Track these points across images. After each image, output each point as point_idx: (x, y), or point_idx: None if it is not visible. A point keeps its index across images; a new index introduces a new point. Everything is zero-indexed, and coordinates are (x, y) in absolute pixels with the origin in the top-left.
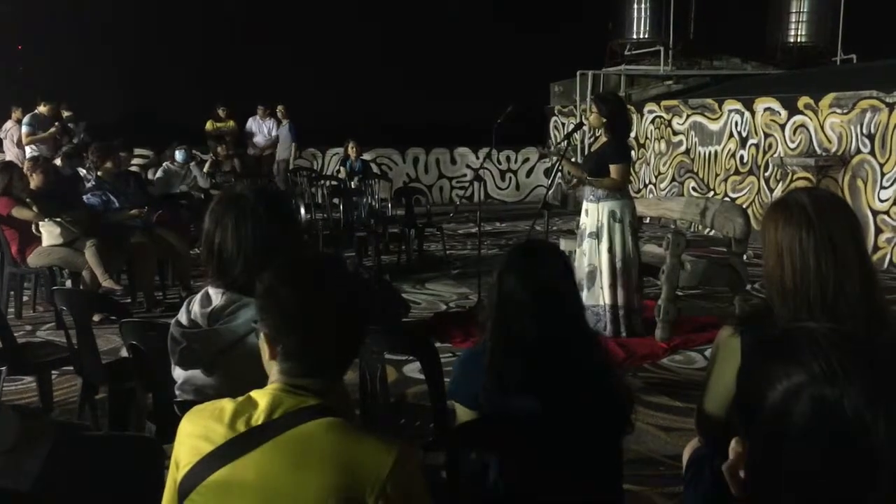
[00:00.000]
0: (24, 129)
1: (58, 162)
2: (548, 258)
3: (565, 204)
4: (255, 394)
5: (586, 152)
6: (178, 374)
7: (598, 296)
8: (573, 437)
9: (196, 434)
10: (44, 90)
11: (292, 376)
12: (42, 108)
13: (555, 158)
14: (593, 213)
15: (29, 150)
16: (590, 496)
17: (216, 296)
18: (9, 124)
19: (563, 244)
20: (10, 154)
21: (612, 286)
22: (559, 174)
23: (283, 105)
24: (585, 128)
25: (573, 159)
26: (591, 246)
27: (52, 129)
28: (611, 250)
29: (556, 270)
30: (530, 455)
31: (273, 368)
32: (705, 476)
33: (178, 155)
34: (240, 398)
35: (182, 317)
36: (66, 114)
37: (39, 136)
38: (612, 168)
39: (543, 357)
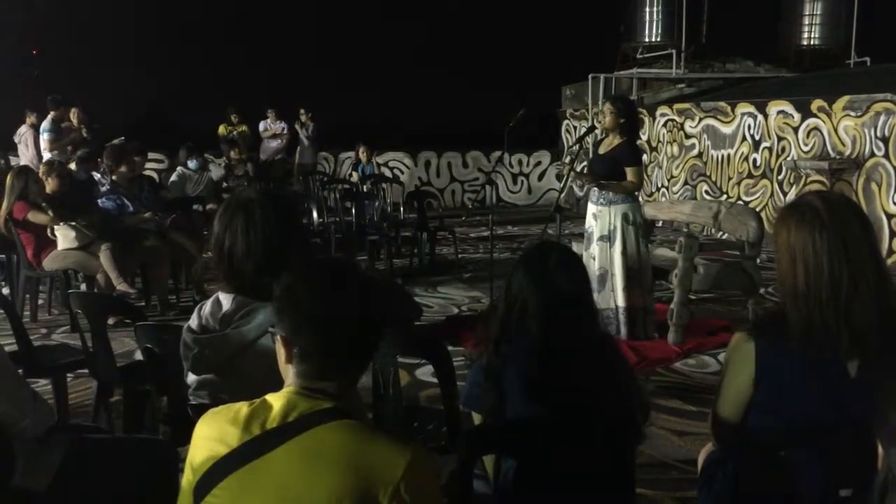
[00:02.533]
0: (48, 135)
1: (72, 166)
2: (561, 259)
3: (578, 207)
4: (270, 397)
5: (593, 155)
6: (192, 378)
7: (610, 299)
8: (581, 442)
9: (212, 437)
10: (55, 96)
11: (308, 378)
12: (55, 113)
13: (567, 164)
14: (604, 216)
15: (47, 154)
16: (601, 501)
17: (227, 300)
18: (23, 129)
19: (576, 248)
20: (25, 158)
21: (628, 288)
22: (571, 177)
23: (305, 108)
24: (597, 131)
25: (583, 164)
26: (602, 249)
27: (73, 135)
28: (625, 252)
29: (569, 272)
30: (539, 460)
31: (289, 371)
32: (719, 480)
33: (192, 163)
34: (255, 401)
35: (193, 322)
36: (73, 118)
37: (63, 141)
38: (630, 171)
39: (548, 358)
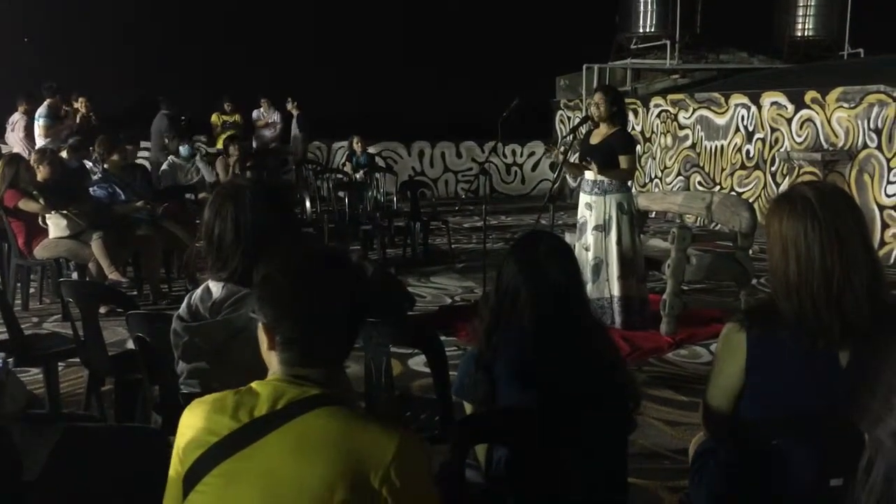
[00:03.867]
0: (42, 121)
1: (64, 154)
2: (550, 249)
3: (571, 198)
4: (256, 385)
5: (583, 146)
6: (182, 367)
7: (604, 288)
8: (572, 432)
9: (199, 426)
10: (51, 84)
11: (291, 366)
12: (52, 100)
13: (559, 154)
14: (599, 205)
15: (42, 142)
16: (594, 490)
17: (217, 288)
18: (16, 116)
19: (569, 238)
20: (17, 146)
21: (623, 277)
22: (565, 169)
23: (294, 99)
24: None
25: (574, 158)
26: (597, 239)
27: (69, 122)
28: (620, 242)
29: (559, 262)
30: (531, 449)
31: (273, 359)
32: (710, 469)
33: (183, 150)
34: (241, 389)
35: (184, 311)
36: (80, 108)
37: (58, 128)
38: (624, 158)
39: (539, 349)
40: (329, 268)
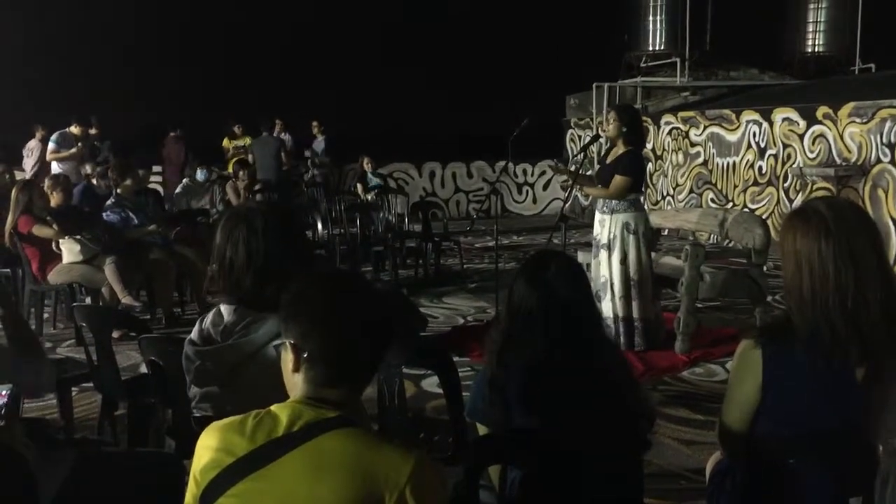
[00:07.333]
0: (51, 145)
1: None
2: (561, 268)
3: (583, 216)
4: (275, 408)
5: (600, 164)
6: (195, 391)
7: (610, 308)
8: (586, 452)
9: (216, 447)
10: (73, 113)
11: (316, 385)
12: (73, 129)
13: (563, 172)
14: (606, 224)
15: (56, 167)
16: None
17: (228, 312)
18: (32, 143)
19: (581, 257)
20: (32, 172)
21: (625, 298)
22: (576, 186)
23: (317, 121)
24: (602, 140)
25: (589, 172)
26: (604, 257)
27: (73, 150)
28: (623, 262)
29: (569, 281)
30: (545, 470)
31: (296, 381)
32: (727, 489)
33: (200, 174)
34: (260, 411)
35: (195, 335)
36: (92, 131)
37: (63, 154)
38: (616, 178)
39: (551, 369)
40: (357, 287)
